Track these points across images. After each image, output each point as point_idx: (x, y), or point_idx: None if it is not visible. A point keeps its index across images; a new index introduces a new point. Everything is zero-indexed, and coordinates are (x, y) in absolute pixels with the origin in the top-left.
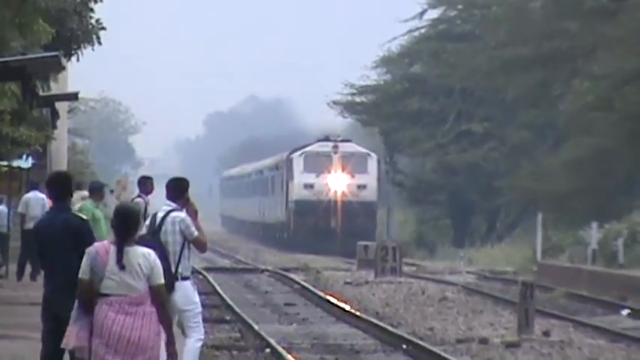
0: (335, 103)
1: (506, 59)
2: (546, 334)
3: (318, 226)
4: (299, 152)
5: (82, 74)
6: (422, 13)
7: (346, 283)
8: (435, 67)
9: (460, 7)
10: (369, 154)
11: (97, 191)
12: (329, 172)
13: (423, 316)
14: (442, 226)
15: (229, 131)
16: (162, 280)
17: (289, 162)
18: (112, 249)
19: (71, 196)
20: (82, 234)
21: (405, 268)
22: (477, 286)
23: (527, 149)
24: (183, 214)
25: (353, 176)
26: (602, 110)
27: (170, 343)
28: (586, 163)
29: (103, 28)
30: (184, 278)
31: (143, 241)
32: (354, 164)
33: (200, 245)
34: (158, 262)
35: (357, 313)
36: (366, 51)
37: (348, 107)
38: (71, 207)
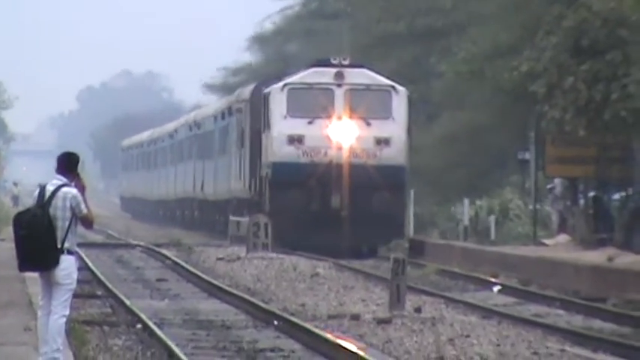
0: (209, 86)
1: (380, 36)
2: (418, 310)
3: (310, 208)
4: (280, 84)
5: None
6: None
7: (218, 259)
8: (308, 46)
9: None
10: (393, 88)
11: None
12: (329, 116)
13: (294, 292)
14: None
15: (102, 106)
16: None
17: (263, 100)
18: None
19: None
20: None
21: None
22: (348, 262)
23: None
24: (74, 191)
25: (368, 124)
26: (475, 81)
27: None
28: (459, 139)
29: None
30: (70, 253)
31: (30, 213)
32: (370, 104)
33: (88, 222)
34: None
35: (229, 289)
36: (240, 30)
37: (222, 90)
38: None
